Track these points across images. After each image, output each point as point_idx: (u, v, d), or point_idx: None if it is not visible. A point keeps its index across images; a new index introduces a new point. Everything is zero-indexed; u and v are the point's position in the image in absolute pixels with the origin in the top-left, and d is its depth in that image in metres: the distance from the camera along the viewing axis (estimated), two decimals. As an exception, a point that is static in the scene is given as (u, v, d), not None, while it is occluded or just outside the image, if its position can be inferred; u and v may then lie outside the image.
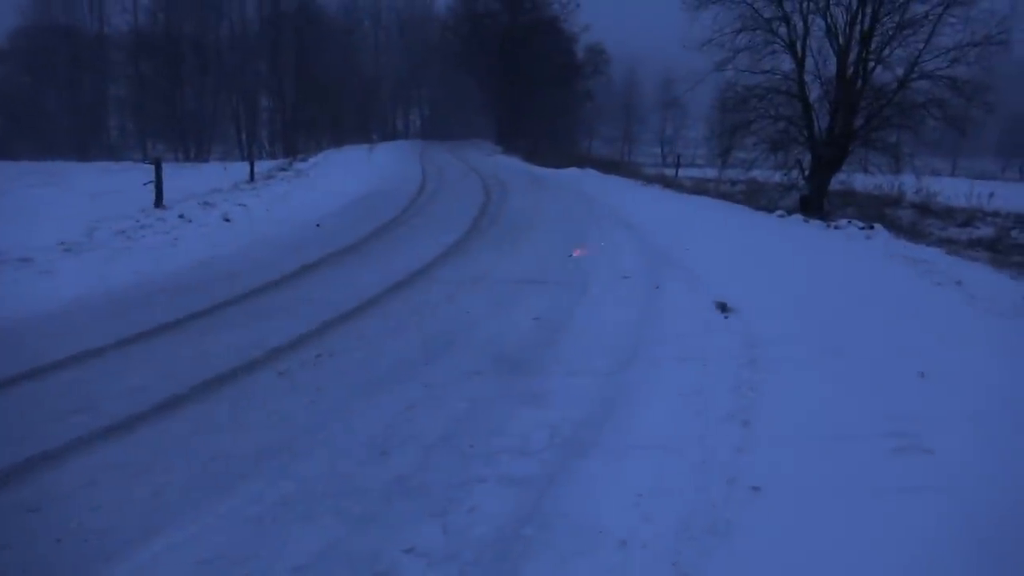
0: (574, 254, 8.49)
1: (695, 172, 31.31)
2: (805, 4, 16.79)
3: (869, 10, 15.97)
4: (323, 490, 3.52)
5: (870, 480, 3.64)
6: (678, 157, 33.81)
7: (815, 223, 13.16)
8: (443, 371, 5.17)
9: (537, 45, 46.20)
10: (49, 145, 41.80)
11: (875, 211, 17.21)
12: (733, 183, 21.24)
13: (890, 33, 16.01)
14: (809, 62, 17.11)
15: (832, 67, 16.84)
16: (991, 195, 19.29)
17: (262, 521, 3.26)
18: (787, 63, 17.38)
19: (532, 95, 45.83)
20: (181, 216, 11.26)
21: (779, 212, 14.79)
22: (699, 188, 21.67)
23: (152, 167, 12.54)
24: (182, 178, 15.83)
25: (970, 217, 18.48)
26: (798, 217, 14.04)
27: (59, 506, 3.36)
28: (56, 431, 4.04)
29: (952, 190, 20.49)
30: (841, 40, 16.45)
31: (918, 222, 17.74)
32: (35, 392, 4.69)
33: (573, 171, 25.51)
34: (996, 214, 18.76)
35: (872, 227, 11.98)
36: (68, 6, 50.35)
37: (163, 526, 3.20)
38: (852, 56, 16.37)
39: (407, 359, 5.41)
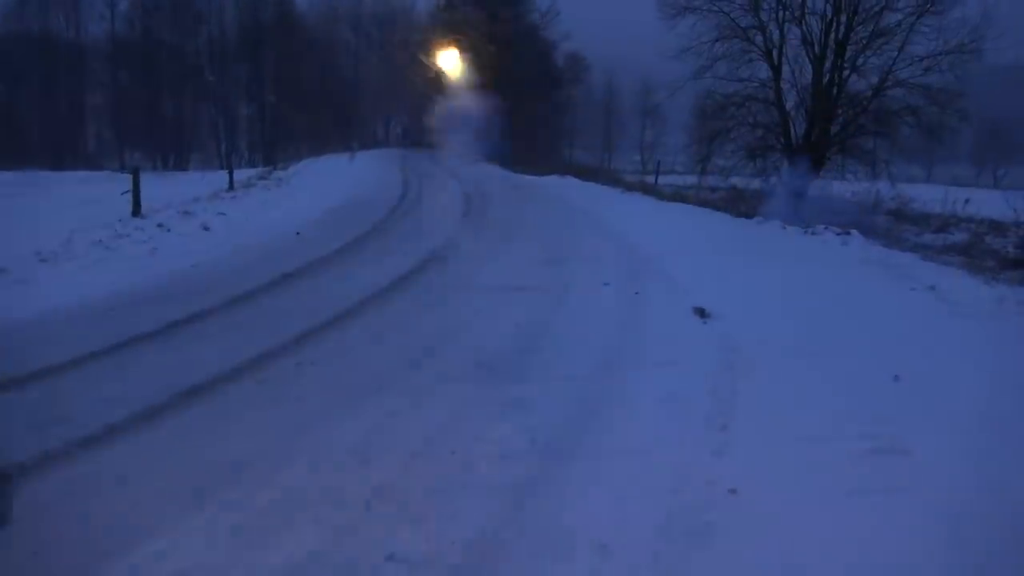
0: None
1: (675, 179, 31.41)
2: (781, 13, 17.06)
3: (843, 19, 16.24)
4: (303, 499, 3.51)
5: (847, 481, 3.68)
6: (658, 164, 33.96)
7: (793, 229, 13.29)
8: (424, 378, 5.17)
9: (517, 54, 46.38)
10: (25, 154, 41.34)
11: (852, 217, 17.37)
12: (713, 190, 21.43)
13: (864, 42, 16.29)
14: (786, 70, 17.37)
15: (808, 75, 17.14)
16: (966, 201, 19.56)
17: (241, 530, 3.24)
18: (764, 71, 17.63)
19: (512, 103, 45.98)
20: (160, 225, 11.20)
21: (758, 218, 14.93)
22: (679, 195, 21.79)
23: (130, 176, 12.47)
24: (161, 187, 15.75)
25: (945, 223, 18.71)
26: (776, 223, 14.17)
27: (35, 518, 3.32)
28: (32, 442, 4.00)
29: (927, 196, 20.74)
30: (817, 49, 16.72)
31: (894, 228, 17.92)
32: (10, 403, 4.64)
33: (553, 178, 25.60)
34: (970, 220, 19.01)
35: (849, 233, 12.13)
36: (43, 14, 49.81)
37: (141, 537, 3.18)
38: (827, 64, 16.63)
39: (388, 367, 5.41)
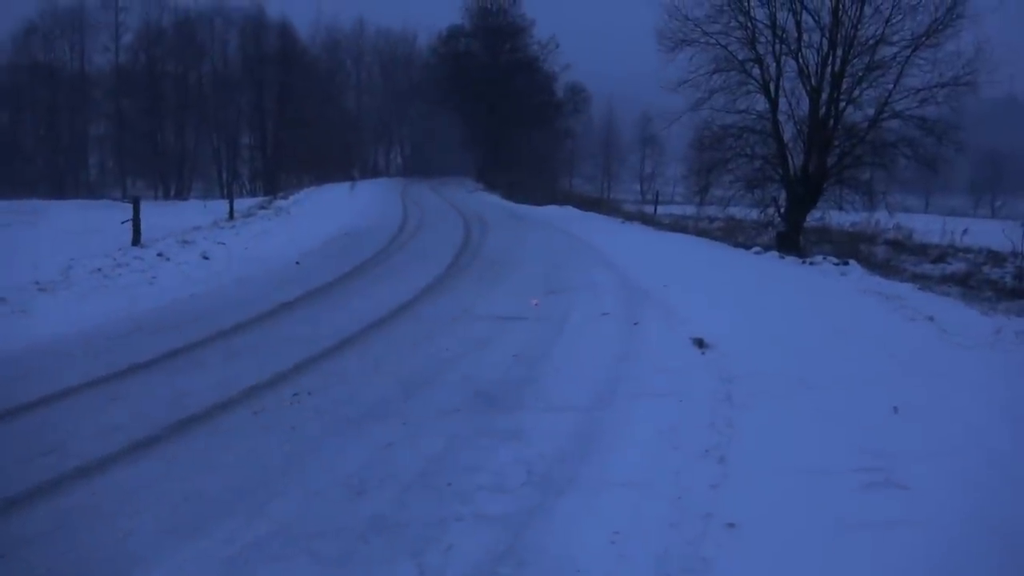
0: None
1: (674, 209, 31.68)
2: (777, 46, 17.19)
3: (839, 52, 16.37)
4: (298, 530, 3.48)
5: (845, 515, 3.65)
6: (657, 194, 34.25)
7: (791, 259, 13.32)
8: (421, 408, 5.15)
9: (518, 84, 46.91)
10: (27, 183, 41.57)
11: (850, 247, 17.45)
12: (711, 220, 21.52)
13: (860, 74, 16.42)
14: (783, 102, 17.47)
15: (805, 107, 17.21)
16: (964, 231, 19.62)
17: (235, 563, 3.21)
18: (761, 103, 17.72)
19: (513, 133, 46.38)
20: (159, 254, 11.22)
21: (756, 249, 14.97)
22: (678, 225, 21.92)
23: (130, 205, 12.53)
24: (161, 216, 15.80)
25: (943, 253, 18.77)
26: (774, 254, 14.21)
27: (26, 552, 3.29)
28: (24, 474, 3.97)
29: (926, 227, 20.84)
30: (813, 81, 16.83)
31: (892, 258, 18.00)
32: (3, 434, 4.62)
33: (553, 208, 25.73)
34: (968, 250, 19.07)
35: (847, 263, 12.14)
36: (48, 45, 50.39)
37: (133, 570, 3.15)
38: (824, 96, 16.73)
39: (385, 397, 5.39)
